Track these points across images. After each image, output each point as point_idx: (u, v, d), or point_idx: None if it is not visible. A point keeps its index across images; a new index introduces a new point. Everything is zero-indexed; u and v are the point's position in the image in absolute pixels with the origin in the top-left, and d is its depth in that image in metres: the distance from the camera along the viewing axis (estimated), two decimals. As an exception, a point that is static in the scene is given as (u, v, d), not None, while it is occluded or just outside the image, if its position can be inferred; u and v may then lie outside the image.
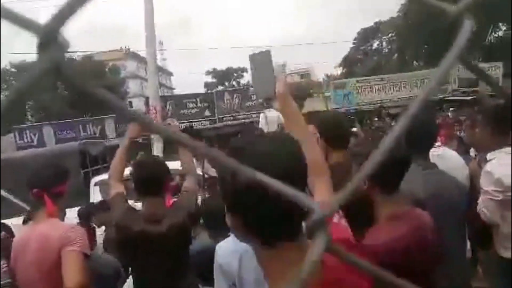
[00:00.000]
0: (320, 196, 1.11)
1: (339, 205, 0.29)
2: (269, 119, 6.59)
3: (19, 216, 4.10)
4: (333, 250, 0.29)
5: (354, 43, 33.70)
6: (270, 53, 1.27)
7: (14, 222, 4.81)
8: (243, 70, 37.86)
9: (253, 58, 1.29)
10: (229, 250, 1.62)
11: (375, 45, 34.30)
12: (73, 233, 1.92)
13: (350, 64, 32.63)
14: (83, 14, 0.27)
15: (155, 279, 2.02)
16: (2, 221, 4.77)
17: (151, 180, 2.05)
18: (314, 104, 16.81)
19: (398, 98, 16.29)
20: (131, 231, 1.99)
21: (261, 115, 7.11)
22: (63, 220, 2.15)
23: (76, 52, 24.22)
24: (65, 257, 1.83)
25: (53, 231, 1.87)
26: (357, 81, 17.48)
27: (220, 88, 27.69)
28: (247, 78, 36.70)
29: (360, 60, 31.98)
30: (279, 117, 5.85)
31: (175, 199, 2.43)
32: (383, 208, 1.51)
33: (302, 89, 25.73)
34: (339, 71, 35.13)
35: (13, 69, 25.52)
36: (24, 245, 1.91)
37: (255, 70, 1.28)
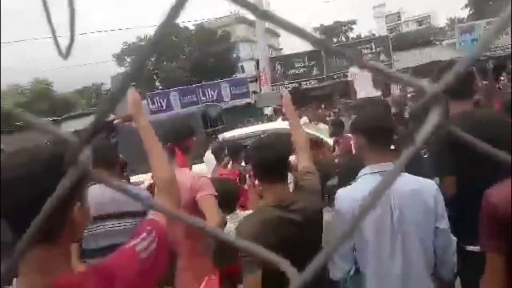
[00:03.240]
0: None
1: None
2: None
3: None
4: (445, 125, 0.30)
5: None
6: None
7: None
8: (353, 22, 35.80)
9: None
10: (349, 197, 1.68)
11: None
12: (202, 181, 2.22)
13: (480, 4, 28.07)
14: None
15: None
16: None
17: (279, 164, 1.72)
18: (436, 53, 15.28)
19: (542, 39, 13.66)
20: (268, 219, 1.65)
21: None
22: None
23: (190, 21, 25.89)
24: (203, 201, 2.12)
25: (186, 179, 2.14)
26: (487, 23, 15.14)
27: (328, 44, 26.76)
28: (357, 31, 34.70)
29: (493, -2, 27.24)
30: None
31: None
32: None
33: (421, 37, 23.31)
34: (466, 13, 30.61)
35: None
36: None
37: None
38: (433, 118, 0.29)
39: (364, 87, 7.37)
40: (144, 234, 0.96)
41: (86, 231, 2.01)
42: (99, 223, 2.14)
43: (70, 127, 16.99)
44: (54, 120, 18.82)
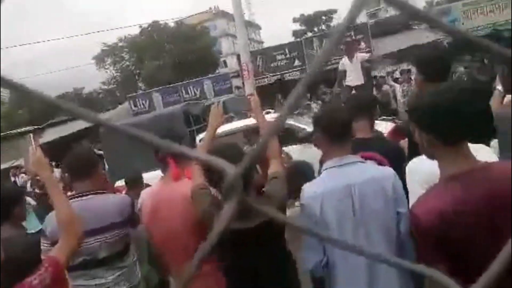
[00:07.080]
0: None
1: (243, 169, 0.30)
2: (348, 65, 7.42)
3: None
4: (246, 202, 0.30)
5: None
6: None
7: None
8: (333, 12, 35.82)
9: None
10: (312, 191, 1.71)
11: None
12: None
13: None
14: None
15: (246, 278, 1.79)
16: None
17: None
18: (415, 37, 15.38)
19: (517, 17, 13.84)
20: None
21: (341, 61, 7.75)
22: None
23: (172, 19, 25.66)
24: None
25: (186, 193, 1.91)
26: (464, 4, 15.28)
27: (309, 34, 26.75)
28: (336, 20, 34.69)
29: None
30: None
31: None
32: (444, 166, 1.22)
33: (400, 22, 23.39)
34: (443, -5, 30.86)
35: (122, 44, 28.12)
36: (164, 201, 2.03)
37: None
38: (229, 209, 0.29)
39: (352, 75, 7.48)
40: (41, 270, 1.19)
41: None
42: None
43: (52, 134, 16.68)
44: (36, 128, 18.42)
